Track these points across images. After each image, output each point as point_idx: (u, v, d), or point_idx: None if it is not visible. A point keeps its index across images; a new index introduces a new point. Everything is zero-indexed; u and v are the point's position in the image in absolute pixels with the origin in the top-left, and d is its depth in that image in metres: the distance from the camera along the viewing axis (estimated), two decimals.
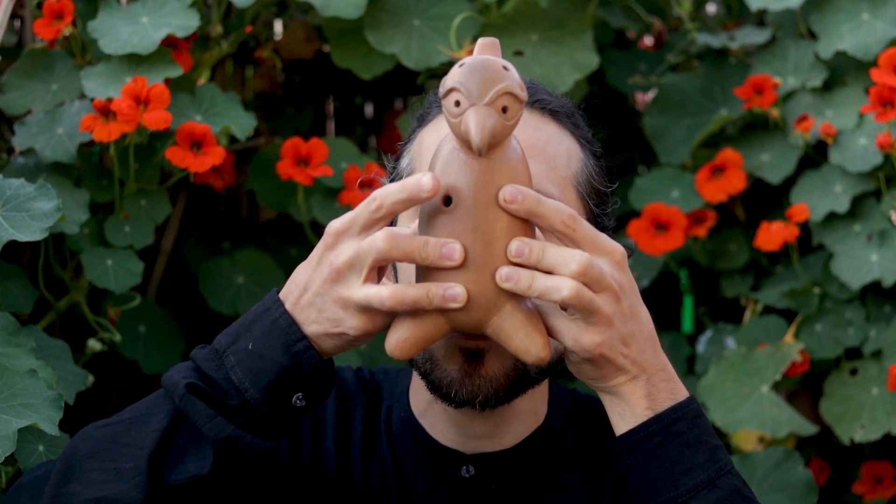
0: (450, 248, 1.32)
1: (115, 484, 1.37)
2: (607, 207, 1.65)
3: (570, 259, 1.32)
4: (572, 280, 1.31)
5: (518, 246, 1.32)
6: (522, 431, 1.67)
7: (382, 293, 1.32)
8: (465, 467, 1.64)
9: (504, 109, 1.29)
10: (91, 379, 2.01)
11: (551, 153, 1.57)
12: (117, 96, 2.04)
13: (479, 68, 1.29)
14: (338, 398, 1.72)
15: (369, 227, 1.35)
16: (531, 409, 1.67)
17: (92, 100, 2.07)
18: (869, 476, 2.40)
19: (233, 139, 2.38)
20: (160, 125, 2.03)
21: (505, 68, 1.30)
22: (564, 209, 1.34)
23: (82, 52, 2.19)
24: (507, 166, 1.32)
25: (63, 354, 1.98)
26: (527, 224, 1.34)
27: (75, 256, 2.13)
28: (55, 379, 1.76)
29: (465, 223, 1.32)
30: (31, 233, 1.77)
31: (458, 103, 1.29)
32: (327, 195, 2.40)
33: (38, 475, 1.46)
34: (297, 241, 2.61)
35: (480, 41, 1.34)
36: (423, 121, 1.66)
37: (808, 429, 2.32)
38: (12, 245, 1.80)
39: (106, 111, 2.04)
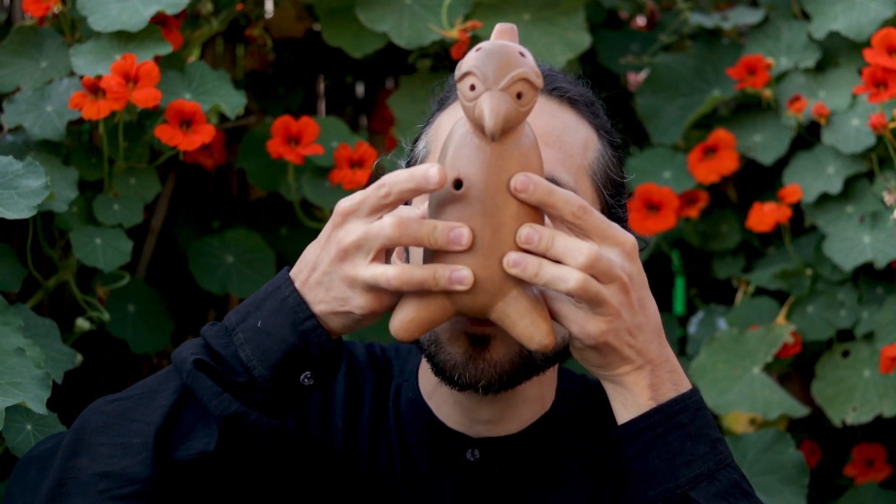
0: (458, 233, 1.31)
1: (122, 459, 1.37)
2: (622, 198, 1.64)
3: (578, 250, 1.31)
4: (579, 271, 1.31)
5: (528, 233, 1.32)
6: (528, 417, 1.66)
7: (389, 273, 1.32)
8: (470, 451, 1.63)
9: (519, 95, 1.28)
10: (79, 358, 2.01)
11: (567, 141, 1.56)
12: (107, 74, 2.03)
13: (496, 53, 1.29)
14: (348, 374, 1.71)
15: (377, 211, 1.34)
16: (538, 396, 1.67)
17: (81, 77, 2.06)
18: (860, 458, 2.40)
19: (223, 118, 2.37)
20: (149, 103, 2.02)
21: (521, 54, 1.30)
22: (575, 199, 1.33)
23: (72, 29, 2.18)
24: (520, 152, 1.32)
25: (51, 333, 1.98)
26: (537, 211, 1.33)
27: (64, 235, 2.11)
28: (43, 358, 1.75)
29: (474, 207, 1.31)
30: (20, 211, 1.76)
31: (473, 87, 1.29)
32: (318, 174, 2.39)
33: (47, 448, 1.46)
34: (287, 221, 2.60)
35: (498, 26, 1.34)
36: (442, 104, 1.65)
37: (800, 411, 2.32)
38: (0, 223, 1.79)
39: (95, 89, 2.03)
